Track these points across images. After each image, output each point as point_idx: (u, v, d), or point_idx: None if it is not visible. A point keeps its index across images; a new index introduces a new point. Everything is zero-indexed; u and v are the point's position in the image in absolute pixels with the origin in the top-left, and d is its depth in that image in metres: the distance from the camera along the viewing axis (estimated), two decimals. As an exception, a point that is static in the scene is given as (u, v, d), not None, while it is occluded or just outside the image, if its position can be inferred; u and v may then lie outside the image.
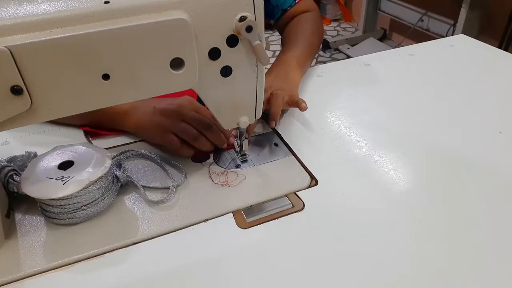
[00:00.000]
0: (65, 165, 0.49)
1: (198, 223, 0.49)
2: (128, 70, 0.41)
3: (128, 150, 0.59)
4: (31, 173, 0.48)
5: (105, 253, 0.46)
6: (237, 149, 0.60)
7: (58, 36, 0.36)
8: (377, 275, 0.43)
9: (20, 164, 0.53)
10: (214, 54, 0.44)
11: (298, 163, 0.59)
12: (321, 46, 2.79)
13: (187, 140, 0.57)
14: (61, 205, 0.47)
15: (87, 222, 0.49)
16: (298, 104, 0.64)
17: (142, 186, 0.53)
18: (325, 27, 3.17)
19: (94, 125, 0.65)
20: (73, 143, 0.53)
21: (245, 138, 0.57)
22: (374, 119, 0.68)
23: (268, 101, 0.63)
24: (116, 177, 0.53)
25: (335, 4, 3.21)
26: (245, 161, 0.59)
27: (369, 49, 2.61)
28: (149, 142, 0.62)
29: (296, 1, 0.86)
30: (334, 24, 3.23)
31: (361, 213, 0.50)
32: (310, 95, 0.76)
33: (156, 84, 0.43)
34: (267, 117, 0.64)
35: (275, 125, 0.63)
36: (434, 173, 0.57)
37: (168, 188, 0.53)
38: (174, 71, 0.43)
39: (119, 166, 0.55)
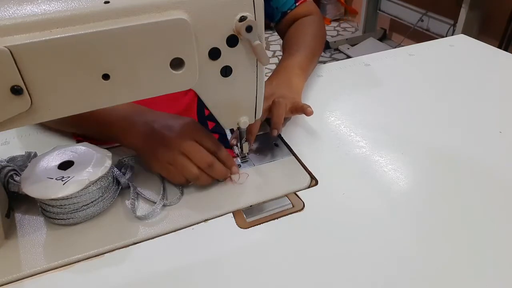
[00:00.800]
0: (65, 165, 0.49)
1: (198, 223, 0.49)
2: (128, 70, 0.41)
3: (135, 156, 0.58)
4: (31, 173, 0.48)
5: (105, 253, 0.46)
6: (237, 151, 0.60)
7: (58, 36, 0.36)
8: (377, 275, 0.43)
9: (20, 164, 0.53)
10: (214, 54, 0.44)
11: (298, 163, 0.59)
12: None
13: (186, 177, 0.53)
14: (61, 205, 0.47)
15: (87, 222, 0.49)
16: (303, 109, 0.62)
17: (137, 193, 0.53)
18: (325, 27, 3.16)
19: (87, 135, 0.61)
20: (73, 143, 0.53)
21: (245, 141, 0.57)
22: (374, 119, 0.68)
23: (270, 110, 0.62)
24: (117, 178, 0.53)
25: (336, 4, 3.21)
26: (245, 161, 0.59)
27: (369, 49, 2.61)
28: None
29: (296, 4, 0.85)
30: (334, 24, 3.23)
31: (361, 213, 0.50)
32: (310, 95, 0.76)
33: (156, 84, 0.43)
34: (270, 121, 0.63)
35: (277, 134, 0.61)
36: (434, 173, 0.57)
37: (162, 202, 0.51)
38: (174, 71, 0.43)
39: (126, 168, 0.55)
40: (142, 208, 0.52)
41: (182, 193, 0.54)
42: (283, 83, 0.69)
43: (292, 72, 0.71)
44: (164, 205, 0.51)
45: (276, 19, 0.87)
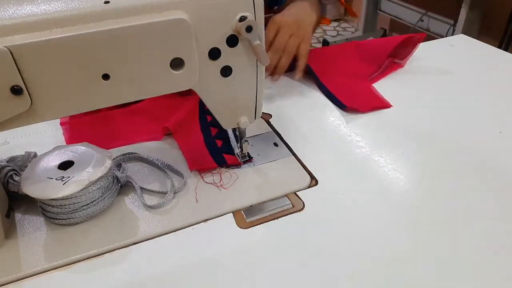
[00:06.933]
0: (65, 165, 0.49)
1: (198, 223, 0.49)
2: (128, 70, 0.41)
3: (131, 153, 0.59)
4: (31, 173, 0.48)
5: (105, 253, 0.46)
6: (237, 151, 0.59)
7: (58, 36, 0.36)
8: (376, 275, 0.43)
9: (20, 164, 0.53)
10: (214, 54, 0.44)
11: (298, 163, 0.59)
12: (320, 46, 2.80)
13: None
14: (61, 205, 0.47)
15: (87, 222, 0.49)
16: (298, 68, 0.66)
17: (141, 187, 0.53)
18: (325, 27, 3.17)
19: None
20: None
21: (245, 141, 0.57)
22: (374, 119, 0.68)
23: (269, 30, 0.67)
24: (116, 177, 0.53)
25: (336, 4, 3.21)
26: (245, 160, 0.59)
27: (369, 49, 2.60)
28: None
29: None
30: (334, 24, 3.23)
31: (361, 213, 0.50)
32: (310, 95, 0.76)
33: (156, 84, 0.43)
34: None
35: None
36: (434, 173, 0.57)
37: (166, 192, 0.52)
38: (174, 71, 0.43)
39: (118, 166, 0.55)
40: (148, 199, 0.52)
41: (186, 181, 0.55)
42: (293, 11, 0.71)
43: (304, 5, 0.73)
44: (175, 192, 0.53)
45: (283, 1, 0.86)
